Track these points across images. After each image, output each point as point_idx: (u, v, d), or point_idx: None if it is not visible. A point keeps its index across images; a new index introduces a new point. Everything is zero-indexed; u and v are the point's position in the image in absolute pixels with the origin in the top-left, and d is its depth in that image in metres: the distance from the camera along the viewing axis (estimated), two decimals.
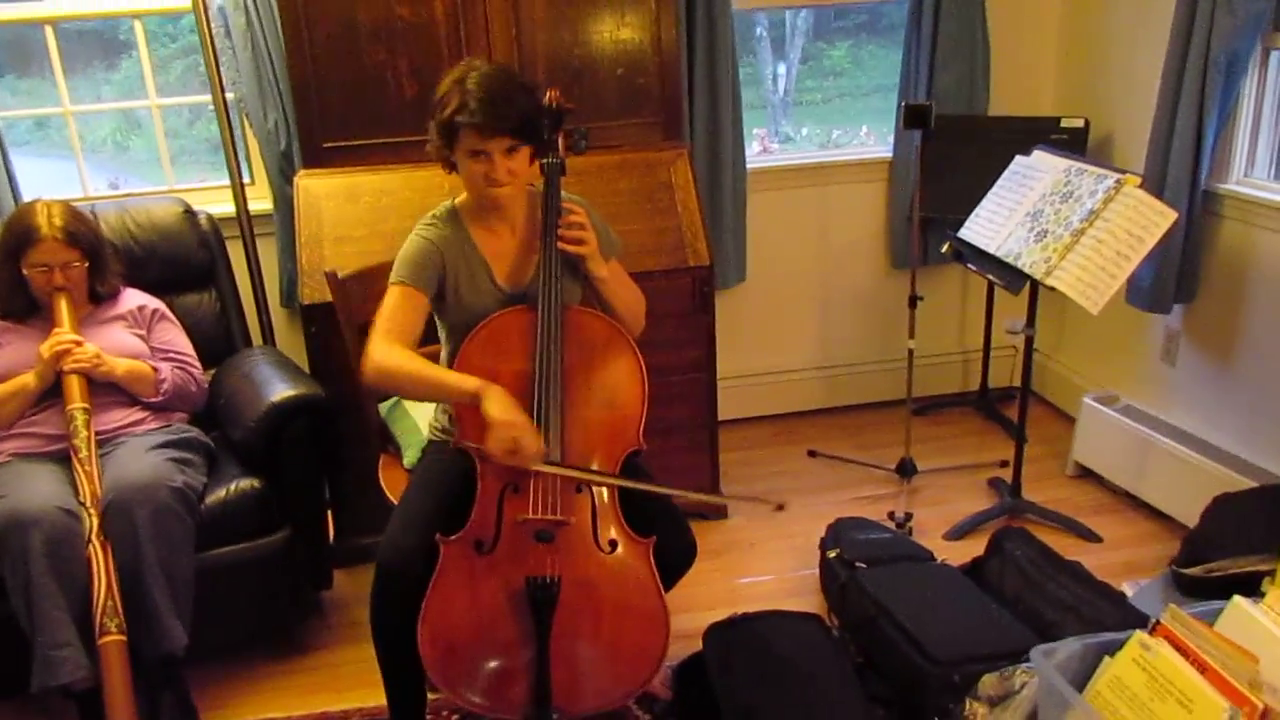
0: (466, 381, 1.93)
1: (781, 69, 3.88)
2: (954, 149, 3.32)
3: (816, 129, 3.91)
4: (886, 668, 2.29)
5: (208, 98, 3.05)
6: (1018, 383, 3.83)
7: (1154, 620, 1.81)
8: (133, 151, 3.73)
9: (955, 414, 3.83)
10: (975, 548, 2.76)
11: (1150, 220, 2.48)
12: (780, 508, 2.13)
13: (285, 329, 3.29)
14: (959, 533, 3.00)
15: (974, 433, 3.70)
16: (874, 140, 3.86)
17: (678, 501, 2.16)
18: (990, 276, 2.84)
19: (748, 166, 3.45)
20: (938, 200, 3.28)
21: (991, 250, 2.81)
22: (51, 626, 2.07)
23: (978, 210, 2.98)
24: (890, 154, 3.60)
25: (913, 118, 2.93)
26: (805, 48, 3.88)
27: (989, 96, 3.49)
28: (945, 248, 3.04)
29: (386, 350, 1.96)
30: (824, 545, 2.78)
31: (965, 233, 2.96)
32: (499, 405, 1.88)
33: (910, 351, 3.17)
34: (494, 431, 1.86)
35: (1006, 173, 2.97)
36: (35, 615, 2.08)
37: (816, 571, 2.81)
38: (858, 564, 2.58)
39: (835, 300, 3.79)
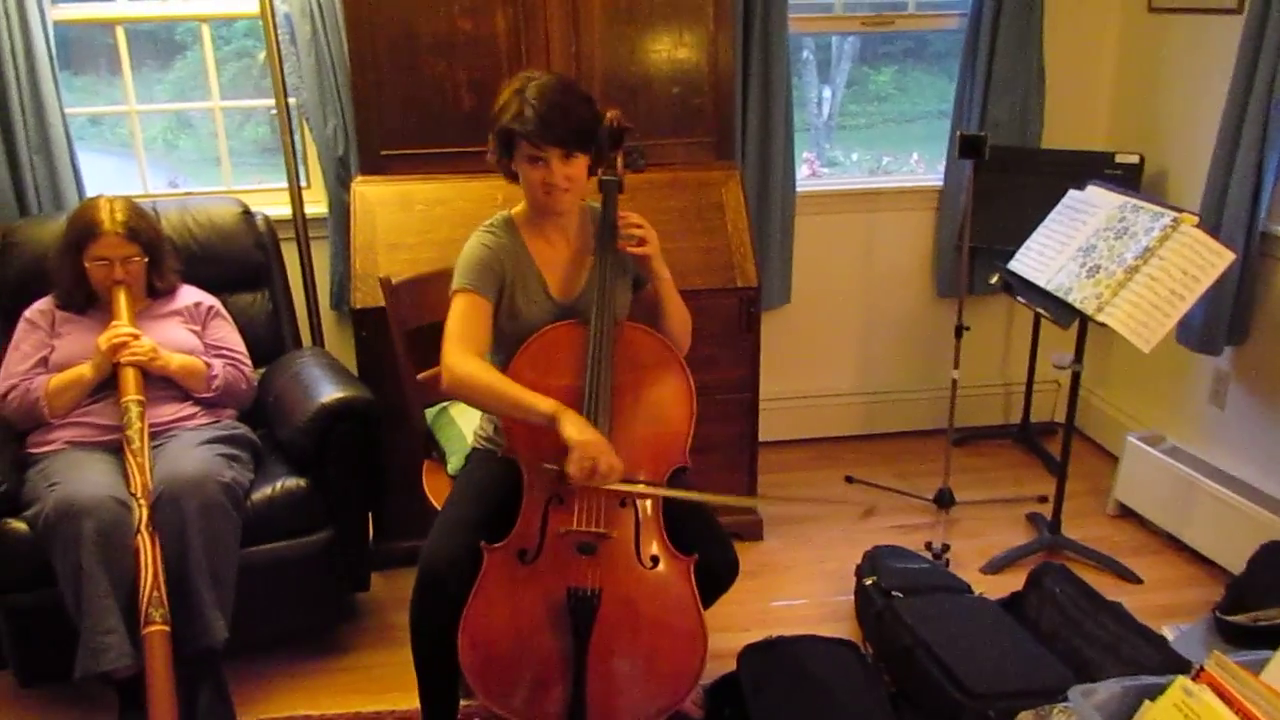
0: (542, 402, 1.93)
1: (826, 92, 3.89)
2: (1006, 180, 3.31)
3: (866, 154, 3.91)
4: (920, 699, 2.28)
5: (269, 101, 3.11)
6: (1060, 417, 3.82)
7: (1197, 666, 1.78)
8: (181, 151, 3.80)
9: (995, 446, 3.80)
10: (1012, 582, 2.74)
11: (1206, 260, 2.46)
12: (869, 513, 2.12)
13: (333, 331, 3.33)
14: (996, 566, 2.97)
15: (1013, 466, 3.66)
16: (923, 168, 3.85)
17: (723, 517, 2.17)
18: (1039, 310, 2.82)
19: (797, 189, 3.46)
20: (987, 231, 3.27)
21: (1041, 283, 2.79)
22: (98, 613, 2.11)
23: (1028, 243, 2.96)
24: (940, 182, 3.59)
25: (967, 148, 2.92)
26: (850, 72, 3.89)
27: (1042, 128, 3.48)
28: (994, 278, 3.02)
29: (463, 359, 1.97)
30: (860, 572, 2.77)
31: (1015, 265, 2.95)
32: (577, 427, 1.88)
33: (954, 381, 3.15)
34: (576, 452, 1.85)
35: (1059, 206, 2.95)
36: (83, 602, 2.12)
37: (850, 598, 2.80)
38: (894, 593, 2.57)
39: (878, 326, 3.78)
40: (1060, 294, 2.70)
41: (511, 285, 2.09)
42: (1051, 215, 2.95)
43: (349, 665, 2.59)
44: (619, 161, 2.15)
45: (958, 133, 3.14)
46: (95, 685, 2.23)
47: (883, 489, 3.45)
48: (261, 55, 3.33)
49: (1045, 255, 2.86)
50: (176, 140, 3.80)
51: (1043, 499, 3.32)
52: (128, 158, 3.48)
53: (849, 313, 3.75)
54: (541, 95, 1.96)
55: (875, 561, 2.75)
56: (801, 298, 3.61)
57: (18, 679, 2.37)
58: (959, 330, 3.12)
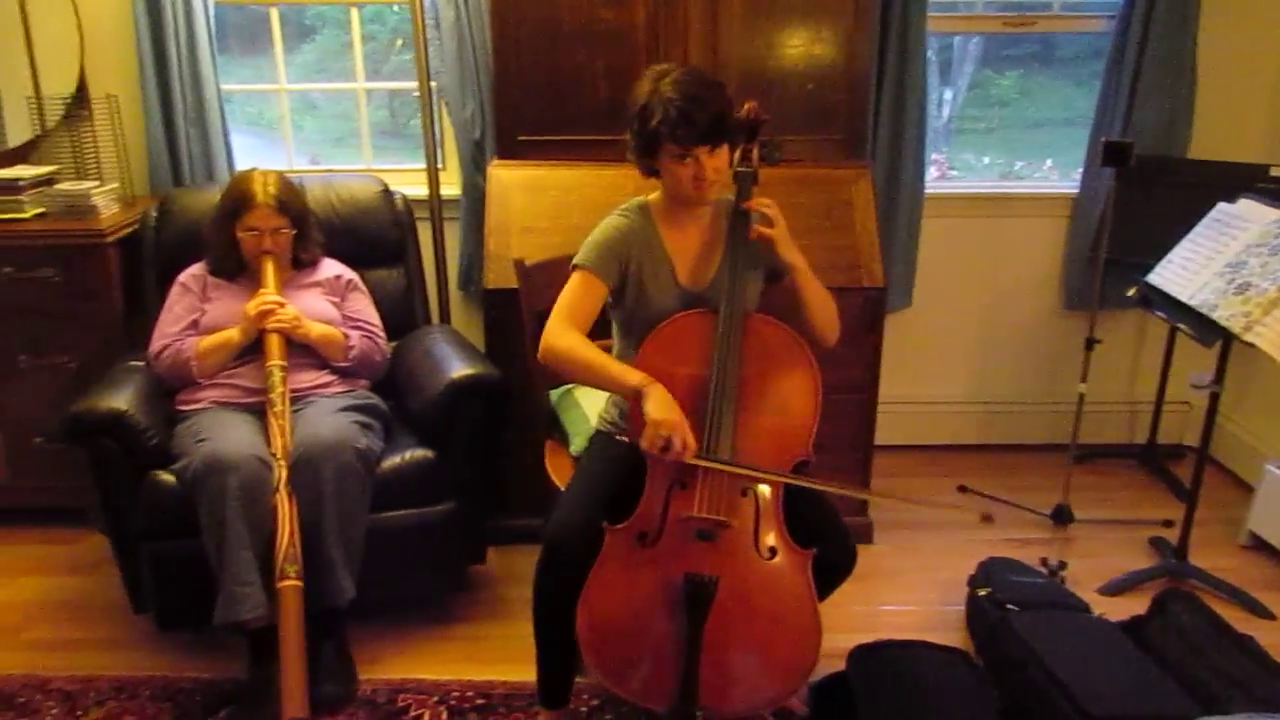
0: (631, 376, 1.99)
1: (947, 94, 3.82)
2: (1148, 190, 3.19)
3: (998, 158, 3.82)
4: (1034, 716, 2.22)
5: (412, 84, 3.21)
6: (1188, 440, 3.68)
7: None
8: (305, 132, 3.94)
9: (1117, 466, 3.68)
10: (1131, 606, 2.66)
11: None
12: (987, 519, 2.10)
13: (459, 310, 3.42)
14: (1116, 588, 2.88)
15: (1136, 487, 3.54)
16: (1056, 175, 3.75)
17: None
18: (1180, 326, 2.72)
19: (925, 191, 3.40)
20: (1125, 242, 3.16)
21: (1184, 299, 2.69)
22: (238, 565, 2.21)
23: (1171, 255, 2.85)
24: (1076, 189, 3.49)
25: (1111, 155, 2.83)
26: (972, 75, 3.81)
27: (1190, 137, 3.34)
28: (1132, 291, 2.92)
29: (562, 333, 2.05)
30: (973, 583, 2.72)
31: (1155, 278, 2.84)
32: (657, 404, 1.92)
33: (1081, 396, 3.07)
34: (649, 429, 1.90)
35: (1206, 219, 2.83)
36: (224, 553, 2.22)
37: (959, 608, 2.75)
38: (1009, 605, 2.52)
39: (1000, 335, 3.69)
40: (1204, 310, 2.60)
41: (639, 270, 2.13)
42: (1198, 228, 2.84)
43: (462, 634, 2.66)
44: (754, 153, 2.16)
45: (1102, 139, 3.04)
46: (229, 633, 2.33)
47: (997, 500, 3.37)
48: (397, 41, 3.43)
49: (1189, 269, 2.75)
50: (302, 121, 3.94)
51: (1167, 523, 3.20)
52: (251, 134, 3.61)
53: (971, 319, 3.67)
54: (680, 93, 1.97)
55: (990, 573, 2.70)
56: (923, 301, 3.55)
57: (158, 622, 2.51)
58: (1089, 343, 3.04)
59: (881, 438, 3.15)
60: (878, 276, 2.85)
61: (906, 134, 3.27)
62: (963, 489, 3.47)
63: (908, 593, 2.89)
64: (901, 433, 3.69)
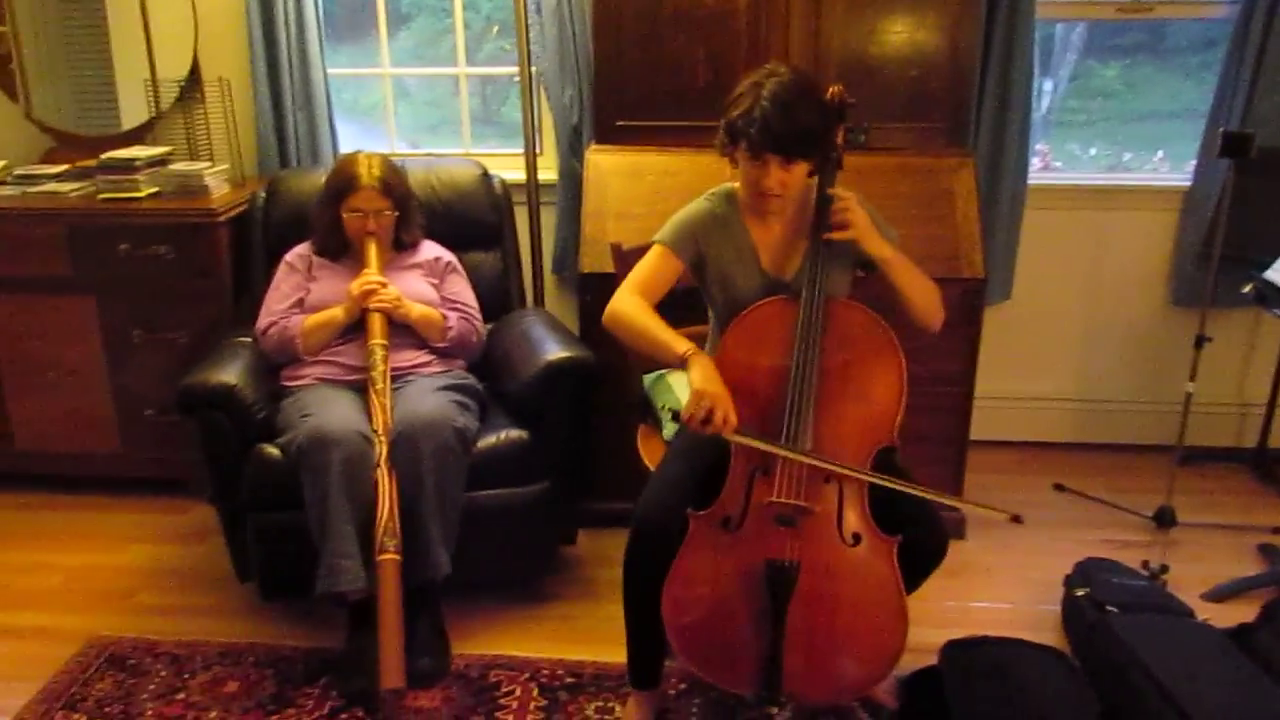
0: (678, 344, 2.01)
1: (1047, 85, 3.69)
2: (1268, 184, 3.05)
3: (1106, 149, 3.69)
4: None
5: (513, 69, 3.24)
6: None
7: None
8: (399, 118, 4.01)
9: (1224, 469, 3.53)
10: (1237, 613, 2.56)
11: None
12: (1017, 519, 2.05)
13: (553, 294, 3.46)
14: (1221, 594, 2.78)
15: (1244, 492, 3.40)
16: (1166, 167, 3.61)
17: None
18: None
19: (1029, 182, 3.32)
20: (1242, 237, 3.03)
21: None
22: (339, 538, 2.27)
23: None
24: (1188, 182, 3.36)
25: (1231, 146, 2.72)
26: (1074, 65, 3.67)
27: None
28: (1248, 288, 2.81)
29: (626, 299, 2.10)
30: (1070, 583, 2.66)
31: (1275, 274, 2.73)
32: (700, 373, 1.95)
33: (1188, 395, 2.96)
34: (691, 398, 1.92)
35: None
36: (326, 526, 2.28)
37: (1054, 607, 2.69)
38: (1108, 607, 2.45)
39: (1102, 331, 3.58)
40: None
41: (720, 256, 2.14)
42: None
43: (553, 614, 2.69)
44: (840, 139, 2.12)
45: (1220, 129, 2.92)
46: (328, 605, 2.41)
47: (1095, 500, 3.28)
48: (493, 28, 3.47)
49: None
50: (395, 107, 4.02)
51: (1277, 530, 3.08)
52: (347, 120, 3.68)
53: (1073, 314, 3.57)
54: (774, 100, 1.95)
55: (1088, 573, 2.64)
56: (1024, 294, 3.46)
57: (261, 591, 2.59)
58: (1199, 340, 2.92)
59: (977, 432, 3.09)
60: (978, 267, 2.79)
61: (1010, 124, 3.18)
62: (1059, 487, 3.38)
63: (1000, 590, 2.84)
64: (998, 428, 3.61)
